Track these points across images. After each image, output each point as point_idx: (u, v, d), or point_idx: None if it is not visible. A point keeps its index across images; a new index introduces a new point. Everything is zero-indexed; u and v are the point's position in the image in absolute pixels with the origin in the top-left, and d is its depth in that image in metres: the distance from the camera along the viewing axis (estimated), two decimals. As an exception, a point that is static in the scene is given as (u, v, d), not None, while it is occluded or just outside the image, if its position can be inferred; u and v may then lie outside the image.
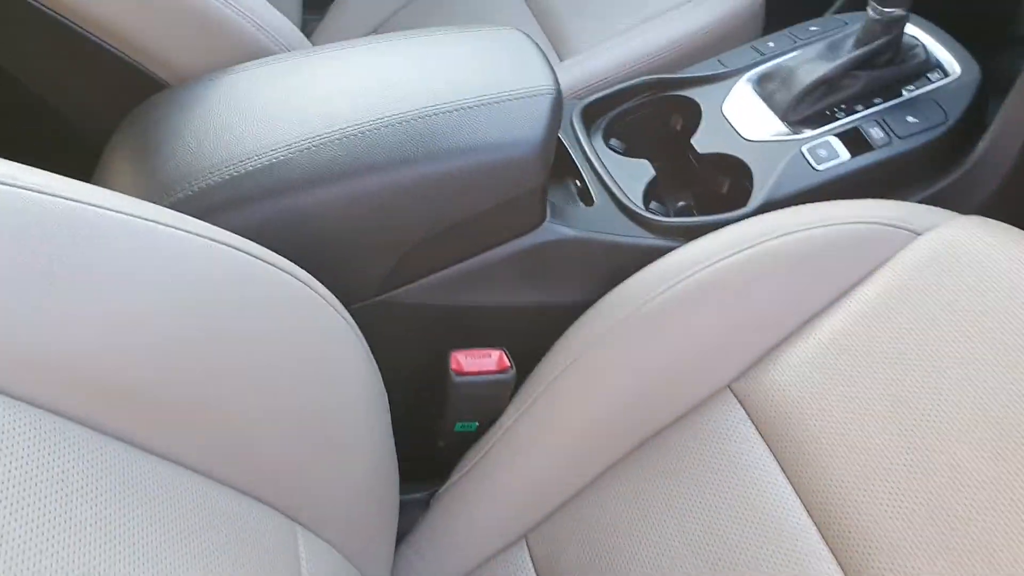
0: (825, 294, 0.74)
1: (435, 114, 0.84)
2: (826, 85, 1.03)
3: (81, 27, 0.89)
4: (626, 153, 1.12)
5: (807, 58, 1.06)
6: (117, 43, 0.91)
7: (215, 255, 0.58)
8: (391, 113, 0.84)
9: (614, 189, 1.00)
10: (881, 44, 1.01)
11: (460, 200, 0.85)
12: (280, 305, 0.61)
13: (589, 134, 1.12)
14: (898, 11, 0.99)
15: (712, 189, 1.08)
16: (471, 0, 1.41)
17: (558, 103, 0.88)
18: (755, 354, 0.72)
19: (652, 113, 1.15)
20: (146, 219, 0.56)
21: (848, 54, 1.03)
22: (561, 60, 1.29)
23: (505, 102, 0.86)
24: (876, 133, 0.99)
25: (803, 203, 0.97)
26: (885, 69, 1.03)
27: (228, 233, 0.62)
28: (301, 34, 1.06)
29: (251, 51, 0.99)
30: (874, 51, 1.01)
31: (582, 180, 1.04)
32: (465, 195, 0.84)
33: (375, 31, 1.52)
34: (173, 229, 0.57)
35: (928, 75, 1.04)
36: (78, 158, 0.88)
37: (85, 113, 0.97)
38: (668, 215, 1.05)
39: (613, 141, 1.13)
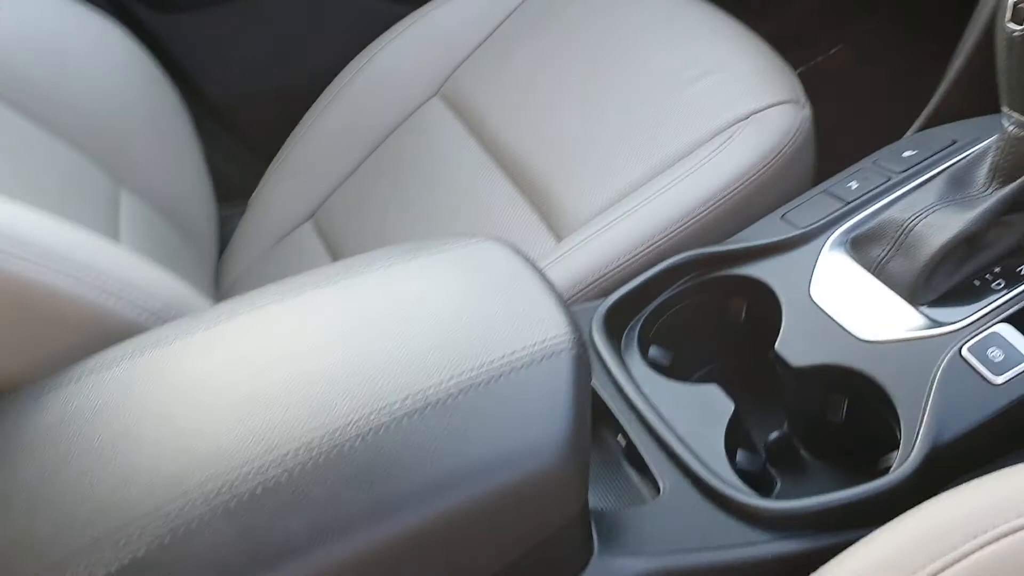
0: None
1: (378, 430, 0.48)
2: (968, 243, 0.69)
3: None
4: (675, 367, 0.77)
5: (924, 204, 0.72)
6: None
7: None
8: (310, 438, 0.48)
9: (683, 454, 0.64)
10: (1040, 171, 0.67)
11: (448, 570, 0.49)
12: None
13: (621, 349, 0.76)
14: (1058, 119, 0.65)
15: (812, 407, 0.72)
16: (439, 181, 1.08)
17: (581, 361, 0.53)
18: None
19: (701, 304, 0.80)
20: None
21: (989, 193, 0.69)
22: (560, 240, 0.95)
23: (494, 383, 0.51)
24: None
25: (985, 438, 0.61)
26: (1049, 205, 0.69)
27: None
28: (192, 292, 0.72)
29: (110, 331, 0.64)
30: (1029, 182, 0.68)
31: (626, 435, 0.69)
32: (454, 563, 0.48)
33: (311, 218, 1.19)
34: None
35: (1113, 206, 0.70)
36: None
37: None
38: (764, 467, 0.69)
39: (654, 352, 0.78)
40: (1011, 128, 0.67)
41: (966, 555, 0.45)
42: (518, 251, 0.61)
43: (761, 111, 0.93)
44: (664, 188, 0.91)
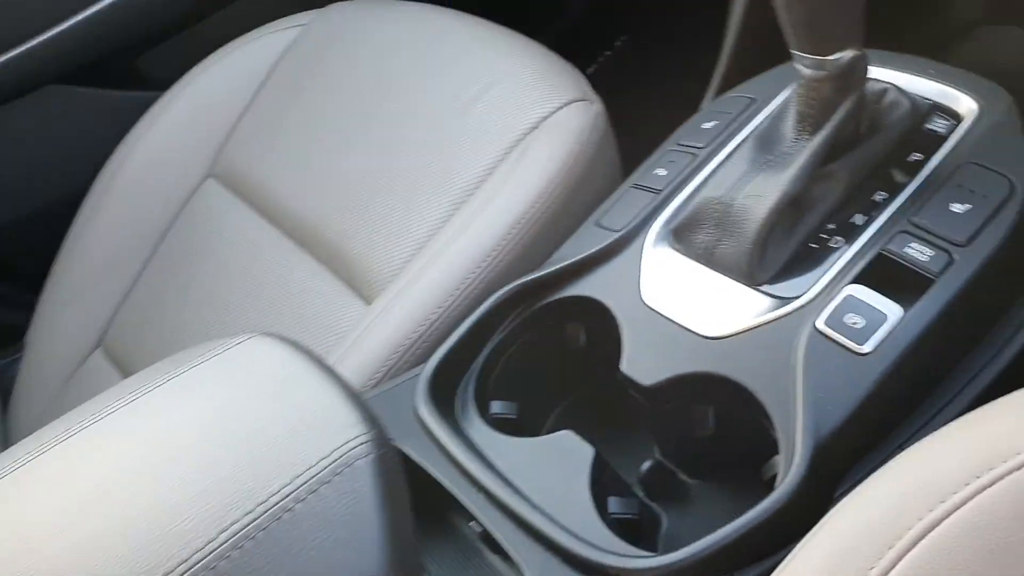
0: None
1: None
2: (793, 205, 0.62)
3: None
4: (523, 418, 0.68)
5: (738, 174, 0.64)
6: None
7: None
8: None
9: (542, 526, 0.54)
10: (847, 112, 0.61)
11: None
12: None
13: (456, 415, 0.66)
14: (850, 52, 0.59)
15: (678, 425, 0.64)
16: (230, 269, 0.96)
17: (386, 464, 0.43)
18: None
19: (535, 340, 0.71)
20: None
21: (800, 146, 0.63)
22: (370, 303, 0.85)
23: (276, 527, 0.40)
24: (919, 251, 0.57)
25: (868, 417, 0.54)
26: (865, 145, 0.63)
27: None
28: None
29: None
30: (838, 126, 0.61)
31: (477, 520, 0.58)
32: None
33: (100, 345, 1.05)
34: None
35: (930, 127, 0.65)
36: None
37: None
38: (641, 507, 0.60)
39: (496, 407, 0.68)
40: (806, 71, 0.61)
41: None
42: (293, 345, 0.50)
43: (550, 116, 0.85)
44: (469, 220, 0.81)
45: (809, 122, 0.62)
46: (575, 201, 0.80)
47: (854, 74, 0.61)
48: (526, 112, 0.86)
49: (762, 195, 0.61)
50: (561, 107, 0.86)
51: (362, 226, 0.90)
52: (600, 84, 0.92)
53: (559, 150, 0.82)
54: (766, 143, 0.65)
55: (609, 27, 1.39)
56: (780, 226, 0.62)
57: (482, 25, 1.01)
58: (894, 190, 0.61)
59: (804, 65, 0.61)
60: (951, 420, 0.45)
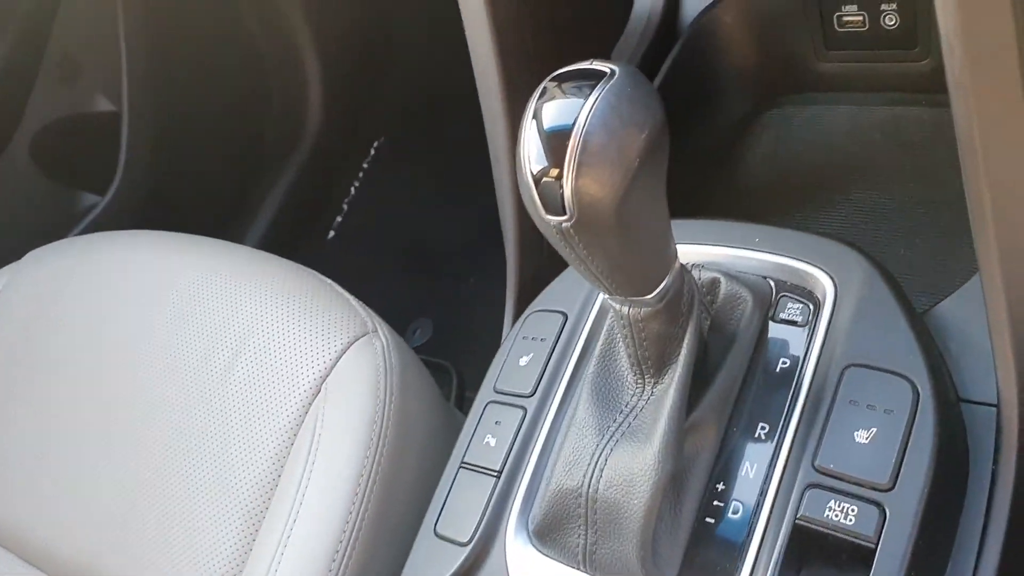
0: None
1: None
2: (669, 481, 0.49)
3: None
4: None
5: (587, 451, 0.51)
6: None
7: None
8: None
9: None
10: (691, 351, 0.48)
11: None
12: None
13: None
14: (670, 276, 0.47)
15: None
16: None
17: None
18: None
19: None
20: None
21: (650, 401, 0.50)
22: None
23: None
24: (841, 512, 0.45)
25: None
26: (722, 374, 0.51)
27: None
28: None
29: None
30: (689, 372, 0.49)
31: None
32: None
33: None
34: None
35: (785, 317, 0.53)
36: None
37: None
38: None
39: None
40: (625, 309, 0.48)
41: None
42: None
43: (330, 373, 0.69)
44: (279, 548, 0.64)
45: (648, 364, 0.49)
46: (405, 466, 0.65)
47: (682, 299, 0.48)
48: (301, 375, 0.70)
49: (630, 484, 0.48)
50: (340, 356, 0.70)
51: (139, 565, 0.71)
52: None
53: (356, 417, 0.66)
54: (605, 397, 0.52)
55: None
56: (664, 508, 0.48)
57: (215, 250, 0.83)
58: (775, 420, 0.50)
59: (621, 304, 0.48)
60: None
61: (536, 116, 0.42)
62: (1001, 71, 0.41)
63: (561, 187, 0.41)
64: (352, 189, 1.58)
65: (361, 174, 1.60)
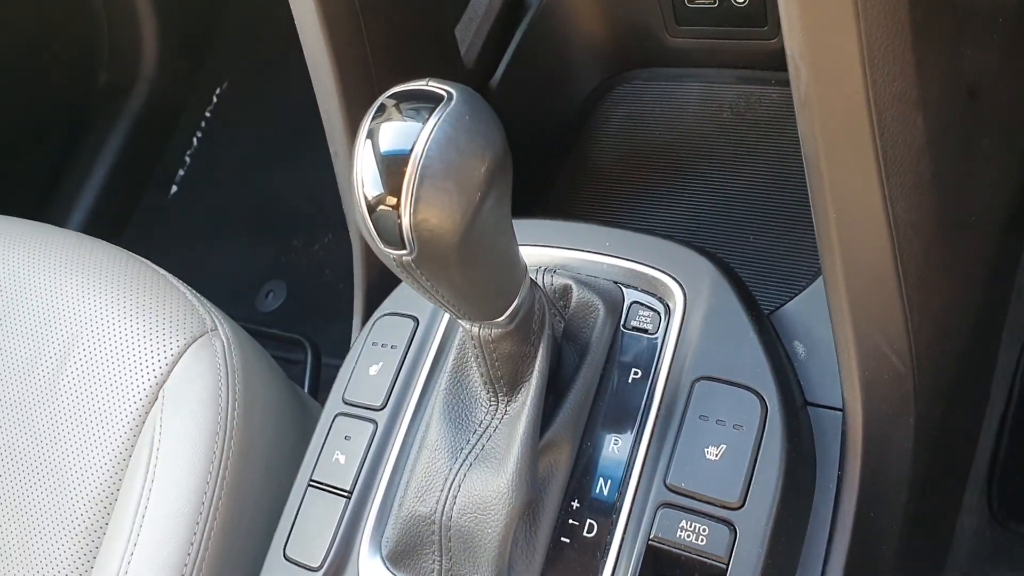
0: None
1: None
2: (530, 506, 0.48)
3: None
4: None
5: (439, 475, 0.49)
6: None
7: None
8: None
9: None
10: (543, 371, 0.47)
11: None
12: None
13: None
14: (519, 296, 0.45)
15: None
16: None
17: None
18: None
19: None
20: None
21: (502, 411, 0.48)
22: None
23: None
24: (692, 532, 0.45)
25: None
26: (574, 390, 0.50)
27: None
28: None
29: None
30: (542, 394, 0.47)
31: None
32: None
33: None
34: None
35: (636, 326, 0.52)
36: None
37: None
38: None
39: None
40: (475, 330, 0.46)
41: None
42: None
43: (167, 377, 0.65)
44: (120, 570, 0.60)
45: (501, 384, 0.48)
46: (253, 464, 0.62)
47: (533, 318, 0.46)
48: (135, 379, 0.65)
49: (485, 511, 0.46)
50: (178, 358, 0.66)
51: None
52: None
53: (197, 426, 0.63)
54: (457, 415, 0.50)
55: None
56: (518, 536, 0.47)
57: (35, 236, 0.76)
58: (627, 435, 0.49)
59: (471, 324, 0.46)
60: None
61: (371, 137, 0.39)
62: (846, 92, 0.40)
63: (399, 218, 0.38)
64: (194, 140, 1.49)
65: (204, 123, 1.50)
